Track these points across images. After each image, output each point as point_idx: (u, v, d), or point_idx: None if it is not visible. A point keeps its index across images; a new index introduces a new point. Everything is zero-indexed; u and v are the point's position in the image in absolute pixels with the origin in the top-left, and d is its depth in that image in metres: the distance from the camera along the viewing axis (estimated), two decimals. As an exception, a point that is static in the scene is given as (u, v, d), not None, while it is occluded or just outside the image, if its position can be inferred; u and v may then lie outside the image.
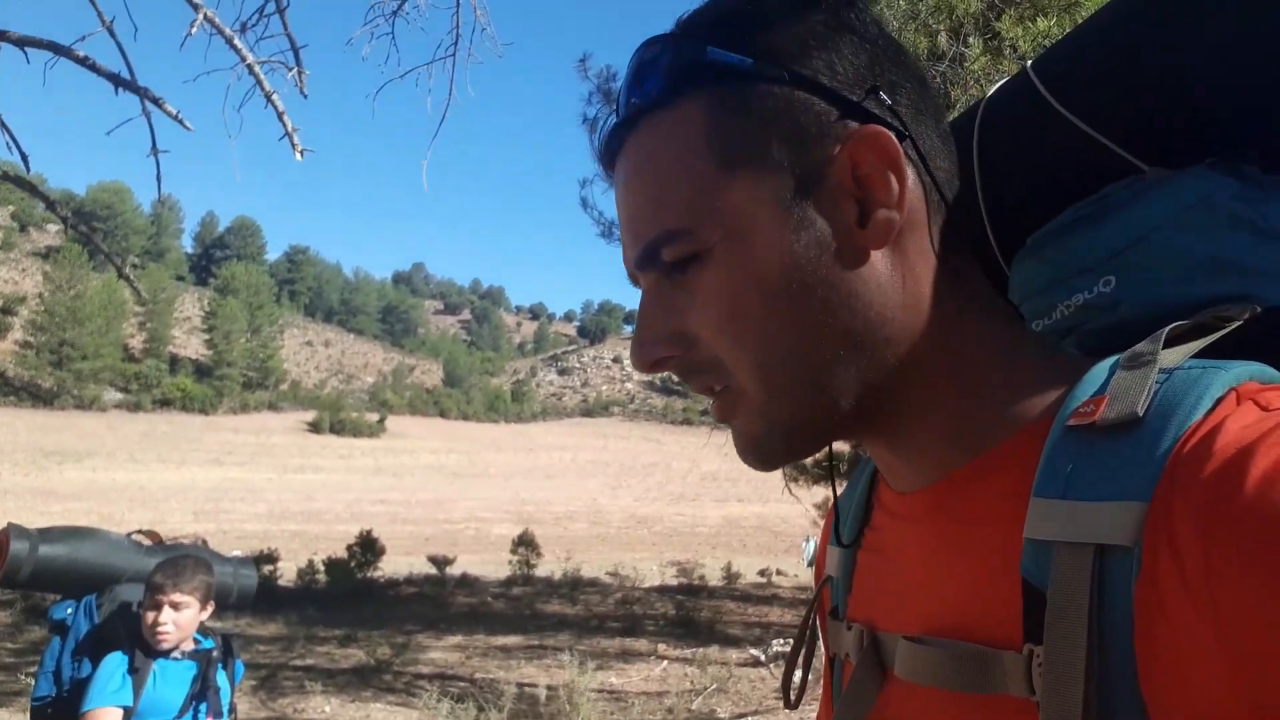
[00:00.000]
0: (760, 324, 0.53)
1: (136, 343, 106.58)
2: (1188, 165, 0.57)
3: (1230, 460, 0.41)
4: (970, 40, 3.96)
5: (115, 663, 2.70)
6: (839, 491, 0.74)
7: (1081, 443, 0.47)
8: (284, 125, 3.29)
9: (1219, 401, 0.45)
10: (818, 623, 0.71)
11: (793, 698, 0.69)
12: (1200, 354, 0.49)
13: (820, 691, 0.75)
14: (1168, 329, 0.50)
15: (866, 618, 0.62)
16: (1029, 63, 0.63)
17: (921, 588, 0.56)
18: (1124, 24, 0.59)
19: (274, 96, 3.27)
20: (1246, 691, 0.38)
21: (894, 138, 0.53)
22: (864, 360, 0.54)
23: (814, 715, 0.83)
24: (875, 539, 0.64)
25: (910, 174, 0.54)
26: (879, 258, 0.53)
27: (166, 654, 2.79)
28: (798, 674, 0.70)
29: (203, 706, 2.82)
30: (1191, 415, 0.44)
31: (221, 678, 2.90)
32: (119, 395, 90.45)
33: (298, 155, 3.31)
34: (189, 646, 2.85)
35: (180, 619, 2.76)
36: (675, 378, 0.58)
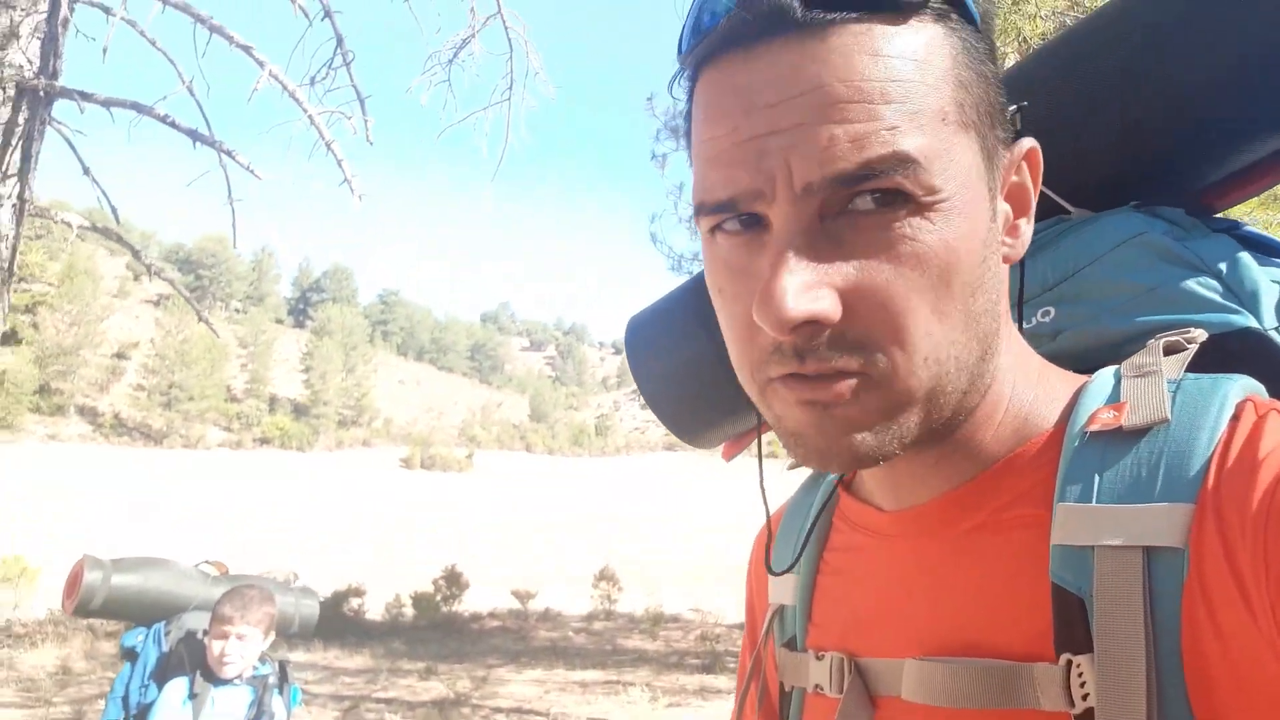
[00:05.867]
0: (963, 300, 0.45)
1: (239, 384, 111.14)
2: (1109, 208, 0.59)
3: None
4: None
5: (177, 689, 2.82)
6: (771, 516, 0.72)
7: (1108, 448, 0.47)
8: (343, 171, 3.46)
9: (1239, 409, 0.46)
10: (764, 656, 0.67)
11: None
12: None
13: None
14: (1161, 343, 0.52)
15: (842, 645, 0.58)
16: None
17: (921, 607, 0.54)
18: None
19: (334, 145, 3.44)
20: None
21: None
22: (983, 367, 0.49)
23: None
24: (839, 561, 0.61)
25: None
26: (1005, 266, 0.51)
27: (226, 680, 2.90)
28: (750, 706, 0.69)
29: (260, 731, 2.92)
30: (1219, 421, 0.45)
31: (277, 702, 2.99)
32: (222, 434, 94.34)
33: (357, 200, 3.46)
34: (247, 673, 2.96)
35: (245, 649, 2.89)
36: (798, 349, 0.44)
